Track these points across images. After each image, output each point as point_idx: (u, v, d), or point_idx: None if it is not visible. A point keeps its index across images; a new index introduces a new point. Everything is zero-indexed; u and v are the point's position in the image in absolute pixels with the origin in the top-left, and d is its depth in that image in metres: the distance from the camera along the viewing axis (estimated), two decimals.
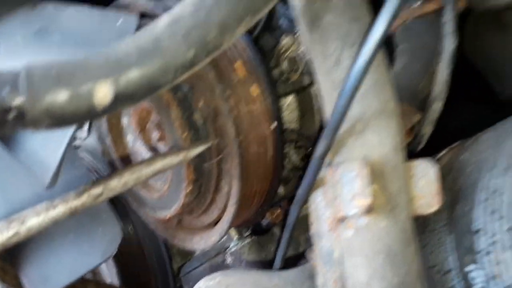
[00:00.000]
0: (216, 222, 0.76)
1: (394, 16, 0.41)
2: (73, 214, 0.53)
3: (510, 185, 0.41)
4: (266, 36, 0.79)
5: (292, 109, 0.81)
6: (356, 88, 0.43)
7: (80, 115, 0.39)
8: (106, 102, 0.39)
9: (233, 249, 1.04)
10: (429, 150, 0.69)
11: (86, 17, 0.56)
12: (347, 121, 0.48)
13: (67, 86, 0.37)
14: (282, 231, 0.79)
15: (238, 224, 0.85)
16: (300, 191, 0.56)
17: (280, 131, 0.71)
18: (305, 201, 0.58)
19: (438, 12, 0.61)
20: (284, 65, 0.79)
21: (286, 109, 0.82)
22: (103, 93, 0.38)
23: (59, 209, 0.51)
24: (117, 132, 0.81)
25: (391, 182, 0.47)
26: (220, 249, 1.08)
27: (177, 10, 0.40)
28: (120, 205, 1.06)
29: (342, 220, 0.49)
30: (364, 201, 0.45)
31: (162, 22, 0.40)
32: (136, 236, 1.15)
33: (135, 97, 0.40)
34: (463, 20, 1.03)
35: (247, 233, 1.03)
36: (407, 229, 0.47)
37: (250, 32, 0.71)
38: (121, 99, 0.39)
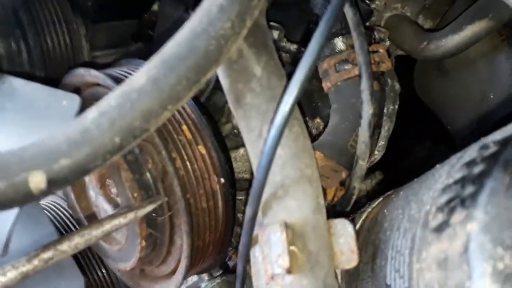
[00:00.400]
0: (174, 272, 0.80)
1: (299, 94, 0.46)
2: (25, 278, 0.57)
3: (406, 248, 0.45)
4: (218, 94, 0.85)
5: (245, 160, 0.87)
6: (270, 161, 0.48)
7: (18, 201, 0.43)
8: (41, 188, 0.43)
9: None
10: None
11: (37, 95, 0.61)
12: (270, 188, 0.53)
13: (3, 177, 0.42)
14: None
15: (198, 272, 0.89)
16: (241, 248, 0.61)
17: (230, 183, 0.76)
18: (248, 255, 0.63)
19: None
20: (235, 121, 0.85)
21: (239, 160, 0.87)
22: (37, 181, 0.43)
23: (10, 276, 0.55)
24: (79, 189, 0.85)
25: (311, 242, 0.51)
26: None
27: (104, 102, 0.45)
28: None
29: (272, 277, 0.53)
30: (284, 262, 0.49)
31: (91, 114, 0.45)
32: (109, 279, 1.18)
33: (68, 181, 0.45)
34: (413, 63, 1.10)
35: (218, 273, 1.07)
36: (328, 284, 0.52)
37: (196, 96, 0.77)
38: (56, 184, 0.44)
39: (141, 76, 0.46)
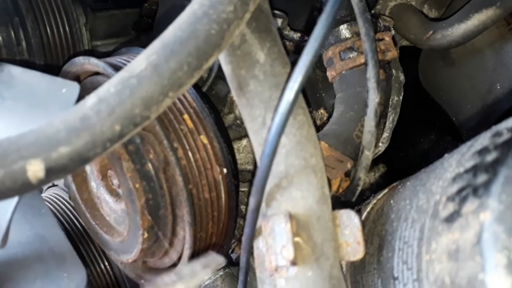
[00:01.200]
0: (177, 263, 0.79)
1: (304, 80, 0.45)
2: None
3: (414, 239, 0.44)
4: (220, 84, 0.84)
5: (248, 151, 0.85)
6: (274, 150, 0.47)
7: (16, 189, 0.42)
8: (40, 176, 0.42)
9: (207, 282, 1.07)
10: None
11: (36, 83, 0.59)
12: (274, 178, 0.52)
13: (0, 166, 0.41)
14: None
15: None
16: (244, 239, 0.60)
17: (233, 174, 0.74)
18: (251, 247, 0.61)
19: None
20: (237, 111, 0.83)
21: (242, 152, 0.85)
22: (35, 170, 0.42)
23: None
24: (81, 180, 0.84)
25: (316, 233, 0.50)
26: None
27: (103, 89, 0.44)
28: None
29: (276, 269, 0.52)
30: (288, 253, 0.48)
31: (90, 101, 0.44)
32: (112, 271, 1.18)
33: (68, 170, 0.43)
34: (417, 54, 1.08)
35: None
36: (333, 276, 0.50)
37: (198, 85, 0.75)
38: (54, 172, 0.43)
39: (141, 61, 0.44)
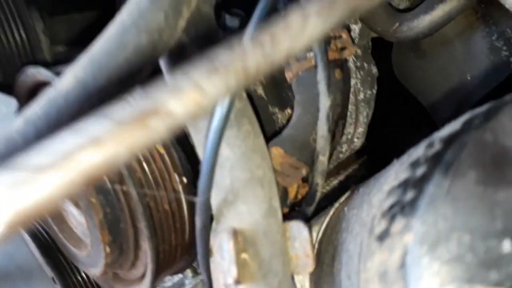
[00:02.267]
0: (144, 275, 0.78)
1: (233, 99, 0.43)
2: None
3: (355, 254, 0.42)
4: None
5: None
6: (212, 168, 0.45)
7: None
8: None
9: (187, 287, 1.06)
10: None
11: None
12: (221, 192, 0.50)
13: None
14: None
15: (171, 273, 0.87)
16: (199, 259, 0.57)
17: (194, 183, 0.73)
18: (208, 264, 0.59)
19: None
20: None
21: None
22: None
23: None
24: None
25: (263, 248, 0.49)
26: (178, 287, 1.09)
27: (30, 110, 0.42)
28: None
29: (227, 287, 0.51)
30: (232, 273, 0.47)
31: (17, 123, 0.42)
32: (90, 280, 1.16)
33: None
34: (389, 47, 1.06)
35: None
36: None
37: None
38: None
39: (69, 78, 0.42)
